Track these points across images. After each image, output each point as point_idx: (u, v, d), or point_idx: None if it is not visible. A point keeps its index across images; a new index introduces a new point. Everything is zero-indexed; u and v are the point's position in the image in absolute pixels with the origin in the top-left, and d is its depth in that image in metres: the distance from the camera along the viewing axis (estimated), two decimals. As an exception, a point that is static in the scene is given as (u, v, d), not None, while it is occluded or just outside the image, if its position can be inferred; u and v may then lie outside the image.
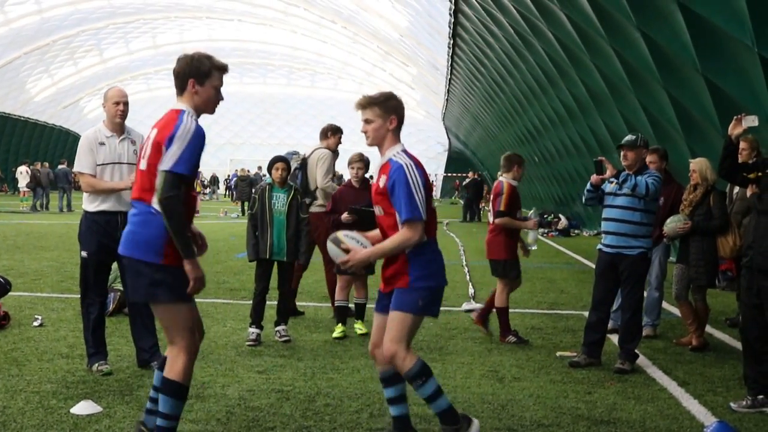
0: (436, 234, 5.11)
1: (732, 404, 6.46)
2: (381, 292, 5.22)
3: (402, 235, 4.85)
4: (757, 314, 6.33)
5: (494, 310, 8.98)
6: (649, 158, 8.60)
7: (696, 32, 10.98)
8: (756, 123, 6.32)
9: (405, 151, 5.00)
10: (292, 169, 9.77)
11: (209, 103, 4.83)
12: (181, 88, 4.78)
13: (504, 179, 9.04)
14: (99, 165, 6.97)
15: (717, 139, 12.30)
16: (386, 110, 4.98)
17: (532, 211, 9.43)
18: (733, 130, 6.36)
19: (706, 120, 12.32)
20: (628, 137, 7.72)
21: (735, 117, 6.39)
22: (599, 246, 7.86)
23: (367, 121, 5.04)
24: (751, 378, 6.41)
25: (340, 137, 10.39)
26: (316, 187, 9.95)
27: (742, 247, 8.46)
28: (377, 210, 5.09)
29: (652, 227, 7.81)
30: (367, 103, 5.02)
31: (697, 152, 13.02)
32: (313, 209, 9.73)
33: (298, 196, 8.58)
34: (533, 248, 9.12)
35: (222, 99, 4.91)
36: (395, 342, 4.97)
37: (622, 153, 7.65)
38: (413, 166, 4.89)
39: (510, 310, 9.02)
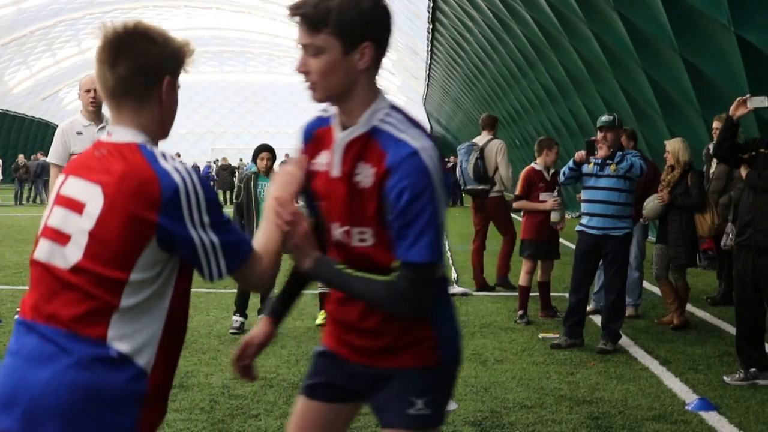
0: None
1: (725, 378, 6.55)
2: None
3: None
4: (752, 292, 6.39)
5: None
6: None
7: (673, 13, 11.00)
8: (766, 104, 6.19)
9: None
10: (473, 159, 10.59)
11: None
12: None
13: (533, 164, 9.21)
14: (77, 154, 6.92)
15: (696, 119, 12.36)
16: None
17: (548, 193, 9.28)
18: (735, 111, 6.30)
19: (685, 100, 12.38)
20: (606, 118, 7.70)
21: (738, 98, 6.32)
22: (579, 228, 7.89)
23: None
24: (743, 352, 6.49)
25: None
26: (494, 174, 10.83)
27: (720, 226, 8.55)
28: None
29: (632, 208, 7.87)
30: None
31: (676, 132, 13.08)
32: (492, 194, 10.93)
33: None
34: (559, 227, 9.12)
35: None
36: None
37: (601, 134, 7.67)
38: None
39: (492, 294, 9.08)
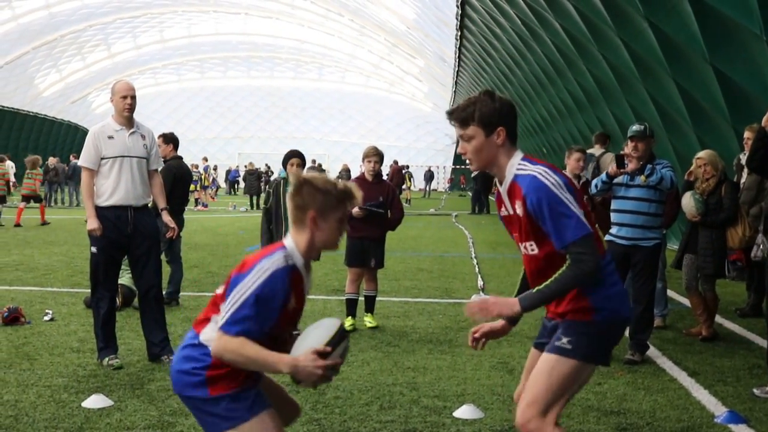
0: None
1: (755, 390, 6.48)
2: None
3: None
4: None
5: None
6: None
7: (704, 22, 10.93)
8: None
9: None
10: (591, 168, 10.52)
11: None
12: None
13: (563, 172, 9.19)
14: (108, 158, 6.98)
15: (726, 128, 12.25)
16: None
17: None
18: None
19: (715, 110, 12.28)
20: (637, 128, 7.63)
21: None
22: (609, 237, 7.84)
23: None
24: None
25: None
26: None
27: (751, 237, 8.46)
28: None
29: (662, 218, 7.81)
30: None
31: (706, 142, 12.99)
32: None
33: None
34: None
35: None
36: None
37: (632, 144, 7.60)
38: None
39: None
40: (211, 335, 3.46)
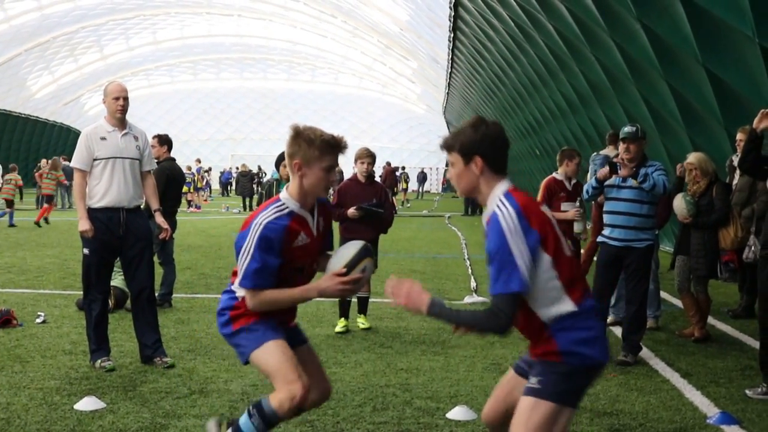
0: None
1: (747, 391, 6.49)
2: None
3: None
4: None
5: None
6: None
7: (697, 23, 10.94)
8: None
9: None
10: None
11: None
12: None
13: (554, 174, 9.21)
14: (101, 159, 6.96)
15: (719, 130, 12.28)
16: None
17: (569, 203, 9.25)
18: (759, 123, 6.27)
19: (707, 111, 12.30)
20: (629, 129, 7.63)
21: (762, 110, 6.28)
22: (601, 239, 7.85)
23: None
24: (767, 365, 6.42)
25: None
26: None
27: (743, 238, 8.48)
28: None
29: (654, 219, 7.83)
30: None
31: (698, 144, 13.01)
32: None
33: None
34: (582, 238, 9.08)
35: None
36: None
37: (624, 146, 7.61)
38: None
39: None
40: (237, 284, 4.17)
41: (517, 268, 3.43)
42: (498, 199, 3.60)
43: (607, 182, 7.73)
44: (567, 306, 3.56)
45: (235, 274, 4.19)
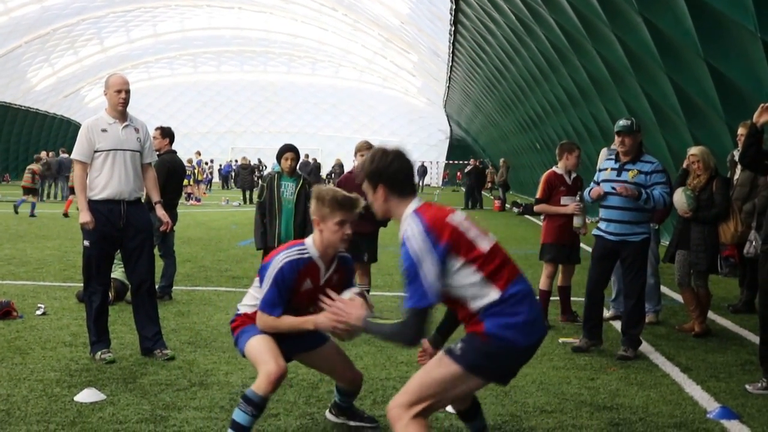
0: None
1: (748, 386, 6.49)
2: None
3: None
4: None
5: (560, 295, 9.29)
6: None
7: (698, 17, 10.93)
8: None
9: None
10: None
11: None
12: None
13: (554, 168, 9.19)
14: (101, 151, 6.95)
15: (720, 124, 12.27)
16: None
17: (569, 197, 9.23)
18: (759, 117, 6.26)
19: (709, 105, 12.29)
20: (624, 122, 7.62)
21: (762, 105, 6.27)
22: (597, 232, 7.86)
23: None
24: (767, 361, 6.42)
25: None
26: None
27: (743, 233, 8.47)
28: None
29: (650, 213, 7.83)
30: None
31: (699, 138, 13.00)
32: None
33: (307, 185, 8.59)
34: (582, 232, 9.09)
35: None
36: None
37: (619, 139, 7.63)
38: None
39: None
40: (244, 302, 5.11)
41: (426, 286, 3.78)
42: (407, 220, 3.94)
43: (603, 177, 7.76)
44: (492, 295, 3.86)
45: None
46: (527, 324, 3.88)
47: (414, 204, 4.00)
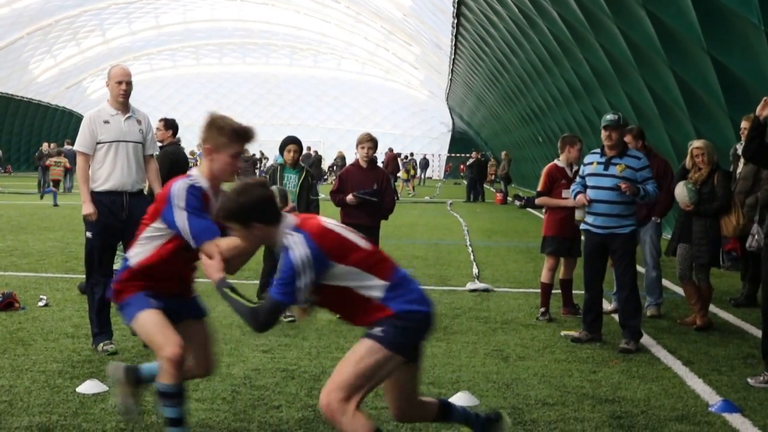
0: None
1: (749, 380, 6.49)
2: None
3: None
4: None
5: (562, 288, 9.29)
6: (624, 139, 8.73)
7: (702, 10, 10.90)
8: None
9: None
10: None
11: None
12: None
13: (556, 161, 9.19)
14: (104, 143, 6.96)
15: (723, 118, 12.25)
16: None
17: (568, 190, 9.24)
18: (762, 111, 6.25)
19: (712, 99, 12.27)
20: (611, 117, 7.73)
21: (765, 98, 6.27)
22: (585, 226, 7.89)
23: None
24: None
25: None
26: None
27: (746, 227, 8.47)
28: None
29: (636, 205, 7.88)
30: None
31: (702, 132, 12.98)
32: None
33: (309, 177, 8.58)
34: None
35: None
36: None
37: (606, 133, 7.69)
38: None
39: (514, 290, 9.05)
40: (135, 250, 4.68)
41: (297, 290, 3.96)
42: (287, 232, 4.05)
43: (589, 171, 7.83)
44: (382, 283, 4.07)
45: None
46: (423, 296, 4.19)
47: (288, 219, 4.12)
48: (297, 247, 3.97)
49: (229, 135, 4.51)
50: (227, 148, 4.51)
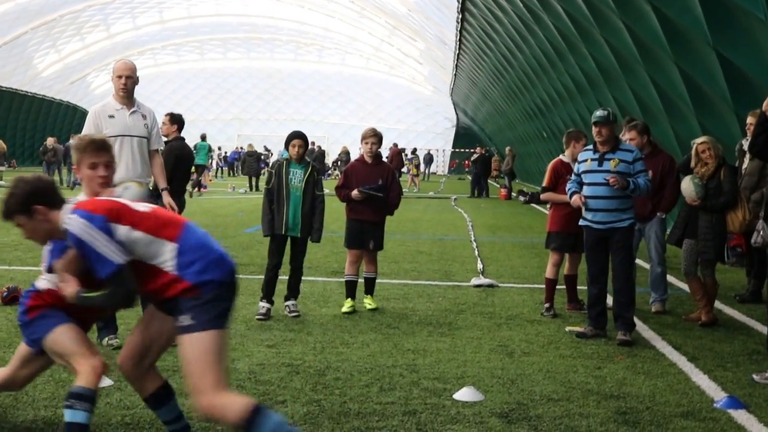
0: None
1: (755, 376, 6.48)
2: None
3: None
4: None
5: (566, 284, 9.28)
6: (628, 135, 8.77)
7: (708, 5, 10.88)
8: None
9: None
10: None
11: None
12: None
13: (561, 156, 9.21)
14: (109, 137, 6.93)
15: (728, 114, 12.23)
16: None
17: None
18: None
19: (718, 95, 12.24)
20: (600, 113, 7.81)
21: None
22: (584, 222, 7.91)
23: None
24: None
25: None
26: None
27: (751, 222, 8.45)
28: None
29: (633, 198, 7.91)
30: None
31: (708, 127, 12.96)
32: None
33: (315, 172, 8.58)
34: None
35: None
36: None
37: (596, 129, 7.73)
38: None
39: (519, 286, 9.03)
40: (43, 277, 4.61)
41: (103, 253, 3.93)
42: (66, 216, 4.08)
43: (584, 168, 7.88)
44: (169, 247, 4.04)
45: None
46: (216, 259, 4.09)
47: (68, 205, 4.19)
48: (72, 221, 4.01)
49: (79, 149, 4.66)
50: (83, 162, 4.66)
